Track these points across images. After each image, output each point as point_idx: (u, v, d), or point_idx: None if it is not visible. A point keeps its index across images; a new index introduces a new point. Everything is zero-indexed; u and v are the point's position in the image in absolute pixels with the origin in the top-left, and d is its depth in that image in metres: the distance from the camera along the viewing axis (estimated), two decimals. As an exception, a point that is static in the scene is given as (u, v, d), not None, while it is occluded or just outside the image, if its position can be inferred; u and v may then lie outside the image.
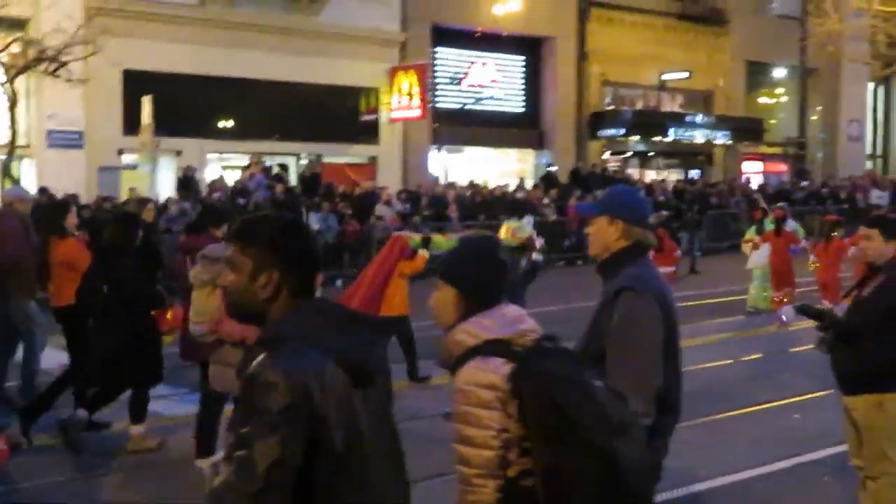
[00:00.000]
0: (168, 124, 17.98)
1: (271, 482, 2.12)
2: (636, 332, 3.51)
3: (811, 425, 8.01)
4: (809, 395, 8.97)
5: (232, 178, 21.00)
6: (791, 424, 8.27)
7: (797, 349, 10.59)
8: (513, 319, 2.90)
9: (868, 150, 36.29)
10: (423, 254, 8.73)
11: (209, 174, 21.22)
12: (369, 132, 24.18)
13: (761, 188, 26.61)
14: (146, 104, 17.11)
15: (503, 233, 8.61)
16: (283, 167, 21.69)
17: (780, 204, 16.68)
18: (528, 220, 9.55)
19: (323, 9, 22.55)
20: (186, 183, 19.45)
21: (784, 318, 12.42)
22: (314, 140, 22.99)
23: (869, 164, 35.72)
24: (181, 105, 20.10)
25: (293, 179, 22.02)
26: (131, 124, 18.58)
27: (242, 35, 21.32)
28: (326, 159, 23.63)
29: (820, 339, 5.38)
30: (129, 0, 19.89)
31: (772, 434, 7.93)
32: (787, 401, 8.94)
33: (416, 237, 8.89)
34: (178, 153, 20.33)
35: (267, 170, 20.75)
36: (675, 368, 3.65)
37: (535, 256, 9.02)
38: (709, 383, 9.31)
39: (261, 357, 2.23)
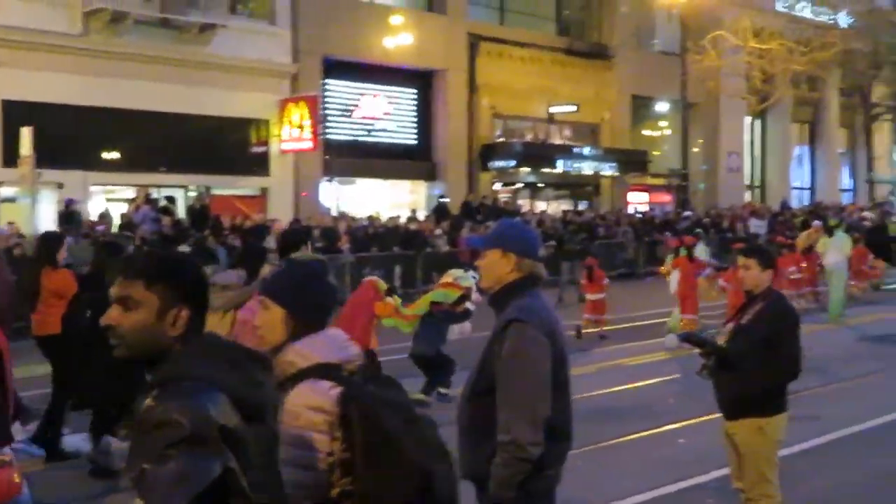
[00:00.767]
0: (50, 156, 17.42)
1: None
2: (523, 363, 3.56)
3: (695, 450, 8.21)
4: (693, 420, 9.20)
5: (118, 211, 20.47)
6: (676, 449, 8.47)
7: (681, 375, 10.86)
8: (341, 343, 2.96)
9: (746, 181, 37.70)
10: (394, 300, 9.33)
11: (94, 207, 20.64)
12: (260, 164, 23.93)
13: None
14: (26, 135, 16.56)
15: (445, 279, 9.61)
16: (171, 199, 21.25)
17: (696, 230, 17.39)
18: (471, 274, 9.70)
19: (212, 39, 22.29)
20: (68, 216, 18.87)
21: (667, 344, 12.76)
22: (203, 172, 22.60)
23: (747, 195, 37.10)
24: (63, 136, 19.50)
25: (181, 212, 21.59)
26: (10, 156, 17.96)
27: (127, 65, 20.87)
28: (216, 191, 23.25)
29: (702, 365, 5.55)
30: (9, 29, 19.28)
31: (657, 459, 8.10)
32: (671, 426, 9.16)
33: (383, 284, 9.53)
34: (60, 185, 19.70)
35: (153, 202, 20.30)
36: (565, 397, 3.72)
37: (469, 305, 9.59)
38: (597, 410, 9.46)
39: (155, 396, 2.19)
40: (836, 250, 16.54)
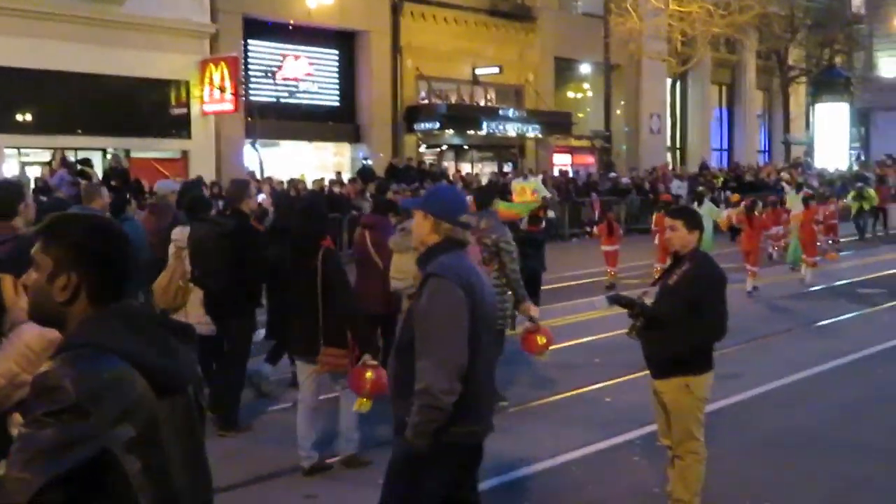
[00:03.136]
0: (-41, 118, 16.82)
1: (45, 483, 1.99)
2: (438, 314, 3.66)
3: (621, 408, 8.36)
4: (619, 380, 9.36)
5: (33, 174, 19.86)
6: (603, 408, 8.61)
7: (607, 335, 11.02)
8: None
9: (668, 142, 38.24)
10: None
11: (7, 170, 19.99)
12: (180, 126, 23.43)
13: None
14: (-67, 97, 15.95)
15: (518, 194, 8.73)
16: (87, 162, 20.68)
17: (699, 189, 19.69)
18: (540, 179, 9.87)
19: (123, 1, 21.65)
20: (-19, 180, 18.25)
21: (596, 305, 12.91)
22: (121, 134, 22.04)
23: (669, 156, 37.65)
24: (-26, 98, 18.84)
25: (99, 175, 21.04)
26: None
27: (42, 24, 20.16)
28: (135, 154, 22.71)
29: (630, 326, 5.64)
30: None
31: (585, 418, 8.23)
32: (598, 385, 9.30)
33: None
34: (-28, 149, 19.06)
35: (70, 165, 19.75)
36: (486, 350, 3.81)
37: (550, 214, 9.42)
38: (524, 371, 9.56)
39: (52, 363, 2.11)
40: (798, 206, 18.35)
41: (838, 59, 44.26)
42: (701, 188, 22.25)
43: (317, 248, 6.59)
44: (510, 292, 8.05)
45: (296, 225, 7.19)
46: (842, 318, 13.20)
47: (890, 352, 10.79)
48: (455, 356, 3.64)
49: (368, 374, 6.20)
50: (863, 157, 47.64)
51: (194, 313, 7.51)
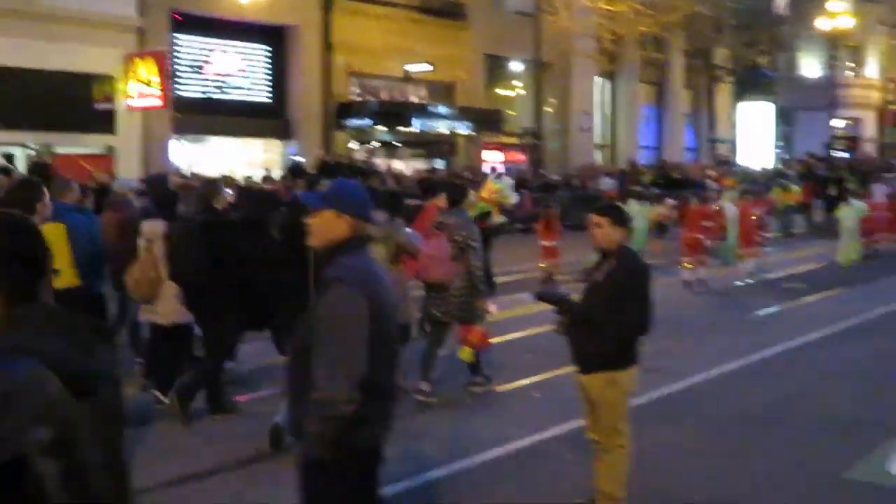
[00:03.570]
0: None
1: None
2: (338, 321, 3.61)
3: (550, 403, 8.44)
4: (548, 374, 9.45)
5: (-50, 170, 19.30)
6: (532, 403, 8.68)
7: (538, 330, 11.12)
8: None
9: (597, 140, 38.66)
10: None
11: (-77, 167, 19.39)
12: (105, 121, 22.94)
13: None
14: None
15: (485, 192, 10.05)
16: (10, 157, 20.17)
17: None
18: (510, 184, 10.46)
19: (50, -10, 21.16)
20: None
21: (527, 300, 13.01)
22: (44, 129, 21.53)
23: (598, 154, 38.08)
24: None
25: (21, 170, 20.53)
26: None
27: (-42, 15, 19.62)
28: (58, 150, 22.20)
29: (558, 322, 5.70)
30: None
31: (514, 413, 8.29)
32: (527, 381, 9.38)
33: None
34: None
35: (-9, 161, 19.23)
36: (387, 354, 3.76)
37: (500, 219, 9.94)
38: (454, 367, 9.59)
39: None
40: (731, 203, 18.78)
41: (762, 60, 45.23)
42: (637, 187, 22.95)
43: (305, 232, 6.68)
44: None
45: (286, 218, 7.44)
46: (766, 311, 13.50)
47: (812, 345, 11.07)
48: (355, 365, 3.58)
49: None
50: (786, 156, 48.79)
51: (168, 304, 7.67)
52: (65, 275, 6.95)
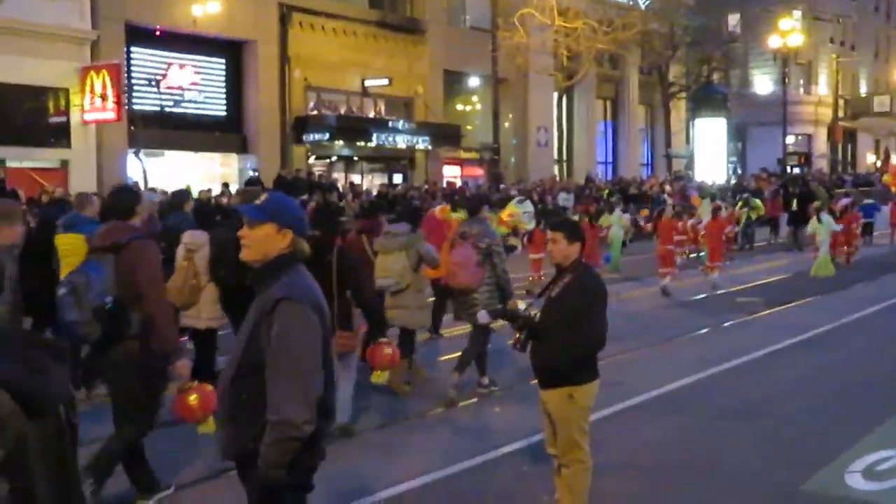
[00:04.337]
0: None
1: None
2: (295, 342, 3.55)
3: (510, 418, 8.45)
4: (508, 390, 9.47)
5: None
6: (492, 418, 8.68)
7: (497, 347, 11.13)
8: None
9: (555, 154, 38.92)
10: None
11: None
12: (59, 135, 22.68)
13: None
14: None
15: (505, 215, 10.93)
16: (-39, 172, 19.85)
17: (612, 198, 23.00)
18: (530, 212, 11.05)
19: (4, 1, 20.85)
20: None
21: (480, 320, 13.03)
22: (-3, 143, 21.23)
23: (556, 169, 38.32)
24: None
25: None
26: None
27: None
28: (10, 164, 21.85)
29: (515, 338, 5.71)
30: None
31: (475, 428, 8.29)
32: (487, 396, 9.37)
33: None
34: None
35: (-59, 175, 18.89)
36: (330, 374, 3.74)
37: (514, 242, 10.58)
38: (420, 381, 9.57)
39: None
40: (707, 216, 19.81)
41: (716, 76, 45.90)
42: (613, 198, 23.38)
43: (331, 246, 7.51)
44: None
45: (313, 225, 7.76)
46: (720, 326, 13.64)
47: (763, 359, 11.19)
48: (313, 385, 3.56)
49: (387, 351, 7.57)
50: (739, 171, 49.46)
51: (207, 309, 8.09)
52: None
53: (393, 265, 8.83)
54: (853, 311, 14.55)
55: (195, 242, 8.21)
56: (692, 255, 21.40)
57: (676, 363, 10.83)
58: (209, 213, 9.63)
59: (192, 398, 5.93)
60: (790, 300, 15.85)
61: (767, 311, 14.89)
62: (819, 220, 19.59)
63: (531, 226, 14.83)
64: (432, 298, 9.91)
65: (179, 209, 10.23)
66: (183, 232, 8.52)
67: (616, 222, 20.16)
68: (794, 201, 25.64)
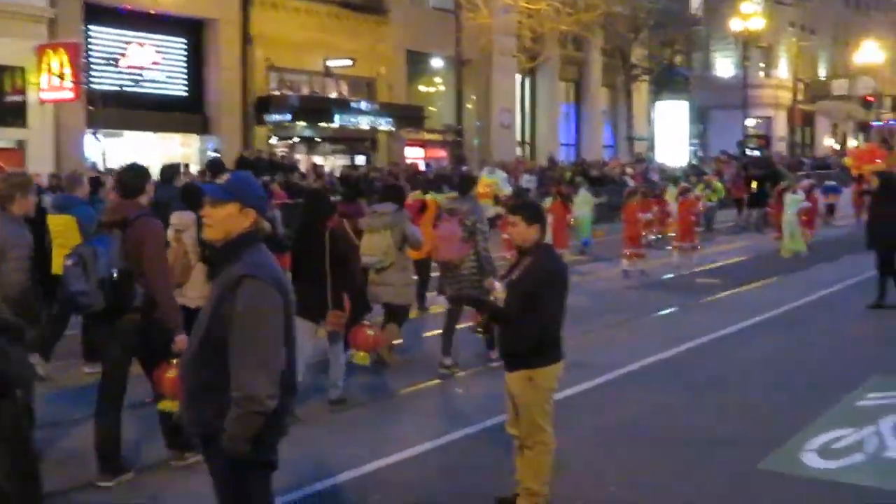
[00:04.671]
0: None
1: None
2: (260, 319, 3.61)
3: (472, 400, 8.49)
4: (470, 371, 9.50)
5: None
6: (456, 399, 8.72)
7: (463, 326, 11.16)
8: None
9: (518, 136, 38.95)
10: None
11: None
12: (15, 114, 22.30)
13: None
14: None
15: (481, 187, 11.43)
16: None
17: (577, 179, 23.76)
18: (504, 177, 11.72)
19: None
20: None
21: (439, 301, 13.08)
22: (-49, 122, 20.87)
23: (519, 151, 38.36)
24: None
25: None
26: None
27: None
28: (-33, 143, 21.55)
29: (476, 322, 5.74)
30: None
31: (435, 410, 8.32)
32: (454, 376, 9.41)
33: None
34: None
35: None
36: (291, 351, 3.80)
37: (498, 209, 11.13)
38: (374, 364, 9.56)
39: None
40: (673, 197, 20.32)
41: (678, 59, 46.15)
42: (579, 178, 24.34)
43: (325, 228, 7.90)
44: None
45: (305, 208, 8.51)
46: (680, 307, 13.76)
47: (722, 340, 11.32)
48: (277, 361, 3.63)
49: (369, 333, 8.06)
50: (701, 153, 49.85)
51: (197, 288, 8.04)
52: None
53: (378, 243, 9.15)
54: (815, 291, 14.77)
55: (183, 223, 8.19)
56: (659, 237, 21.63)
57: (639, 343, 10.92)
58: (196, 192, 9.54)
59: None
60: (752, 280, 16.04)
61: (729, 292, 15.06)
62: (788, 199, 19.90)
63: (509, 189, 15.21)
64: (416, 277, 10.38)
65: (169, 184, 10.42)
66: (172, 206, 8.52)
67: (582, 203, 20.38)
68: (755, 183, 25.91)
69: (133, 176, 6.60)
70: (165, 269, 6.42)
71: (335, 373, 8.05)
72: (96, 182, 12.06)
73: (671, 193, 21.53)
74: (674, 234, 19.30)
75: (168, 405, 6.15)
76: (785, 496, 6.16)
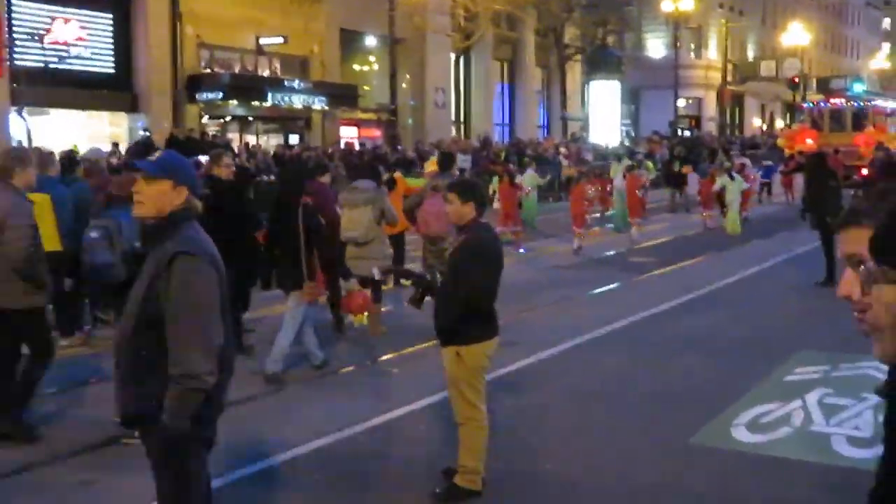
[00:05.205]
0: None
1: None
2: (195, 296, 3.60)
3: (408, 379, 8.49)
4: (407, 350, 9.50)
5: None
6: (390, 379, 8.71)
7: (393, 307, 11.15)
8: None
9: (453, 116, 38.94)
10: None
11: None
12: (-65, 91, 21.63)
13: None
14: None
15: (429, 166, 12.47)
16: None
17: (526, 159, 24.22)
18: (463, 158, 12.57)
19: None
20: None
21: (375, 274, 13.09)
22: None
23: (453, 130, 38.37)
24: None
25: None
26: None
27: None
28: None
29: (411, 296, 5.75)
30: None
31: (371, 389, 8.30)
32: (386, 357, 9.39)
33: None
34: None
35: None
36: (228, 328, 3.79)
37: None
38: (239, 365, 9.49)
39: None
40: (618, 175, 20.94)
41: (611, 39, 46.46)
42: (527, 157, 24.99)
43: (297, 205, 8.36)
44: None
45: (280, 186, 9.00)
46: (613, 286, 13.93)
47: (655, 317, 11.49)
48: (215, 337, 3.62)
49: (360, 299, 8.43)
50: (633, 133, 50.42)
51: None
52: (50, 240, 7.61)
53: (359, 218, 9.62)
54: (747, 268, 15.08)
55: None
56: (605, 214, 22.34)
57: (570, 322, 11.02)
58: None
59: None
60: (687, 258, 16.31)
61: (663, 270, 15.28)
62: (731, 178, 20.51)
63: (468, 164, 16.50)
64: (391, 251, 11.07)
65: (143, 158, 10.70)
66: None
67: (529, 181, 20.82)
68: (678, 163, 26.36)
69: (144, 150, 6.87)
70: None
71: (309, 342, 8.64)
72: (72, 161, 11.85)
73: (615, 169, 22.10)
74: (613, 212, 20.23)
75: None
76: (715, 469, 6.28)
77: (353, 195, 9.83)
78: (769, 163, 29.94)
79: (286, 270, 8.50)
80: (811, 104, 37.50)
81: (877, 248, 1.46)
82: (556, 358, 9.39)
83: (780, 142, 38.09)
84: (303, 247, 8.24)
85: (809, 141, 31.66)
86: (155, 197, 3.72)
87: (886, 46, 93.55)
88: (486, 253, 5.60)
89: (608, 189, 21.96)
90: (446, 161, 11.30)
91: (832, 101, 35.76)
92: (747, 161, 25.53)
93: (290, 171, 10.90)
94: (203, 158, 14.75)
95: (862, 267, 1.56)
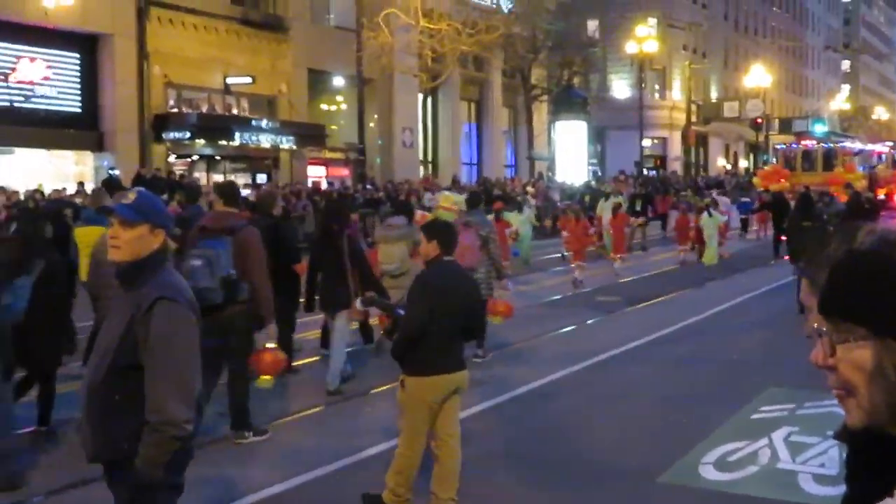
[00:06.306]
0: None
1: None
2: (175, 342, 3.54)
3: (379, 419, 8.43)
4: (379, 389, 9.44)
5: None
6: (359, 420, 8.65)
7: (369, 345, 11.11)
8: None
9: (420, 156, 39.09)
10: None
11: None
12: None
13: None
14: None
15: (442, 202, 12.35)
16: None
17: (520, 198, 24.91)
18: (461, 197, 13.25)
19: None
20: None
21: (358, 306, 13.07)
22: None
23: (422, 169, 38.50)
24: None
25: None
26: None
27: None
28: None
29: (384, 328, 5.95)
30: None
31: (339, 431, 8.23)
32: (357, 397, 9.33)
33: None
34: None
35: None
36: (203, 371, 3.77)
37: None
38: (280, 384, 9.42)
39: None
40: (608, 212, 21.75)
41: (576, 80, 46.99)
42: (520, 197, 26.15)
43: (342, 233, 9.24)
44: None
45: (326, 217, 10.04)
46: (583, 323, 13.96)
47: (623, 355, 11.53)
48: (194, 384, 3.58)
49: (273, 356, 7.78)
50: (599, 173, 50.85)
51: None
52: None
53: (395, 252, 10.35)
54: (715, 305, 15.22)
55: None
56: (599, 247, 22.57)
57: (538, 361, 11.02)
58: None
59: (269, 356, 7.51)
60: (652, 297, 16.40)
61: (631, 308, 15.34)
62: (709, 214, 21.15)
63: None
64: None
65: (195, 201, 12.11)
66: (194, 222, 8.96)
67: (525, 220, 21.57)
68: (638, 202, 27.19)
69: (234, 190, 8.18)
70: (265, 270, 7.67)
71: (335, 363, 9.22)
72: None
73: (601, 207, 22.93)
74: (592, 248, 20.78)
75: (265, 382, 7.59)
76: (684, 508, 6.28)
77: (389, 231, 10.64)
78: (747, 199, 31.25)
79: (330, 293, 9.25)
80: (783, 146, 39.50)
81: (822, 308, 1.40)
82: (521, 397, 9.36)
83: (755, 181, 39.49)
84: (348, 271, 9.05)
85: (783, 181, 33.39)
86: (133, 242, 3.63)
87: (846, 88, 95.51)
88: (434, 286, 5.74)
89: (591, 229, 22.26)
90: (475, 200, 12.42)
91: (803, 142, 38.05)
92: (721, 198, 26.41)
93: (336, 204, 12.63)
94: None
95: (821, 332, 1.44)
